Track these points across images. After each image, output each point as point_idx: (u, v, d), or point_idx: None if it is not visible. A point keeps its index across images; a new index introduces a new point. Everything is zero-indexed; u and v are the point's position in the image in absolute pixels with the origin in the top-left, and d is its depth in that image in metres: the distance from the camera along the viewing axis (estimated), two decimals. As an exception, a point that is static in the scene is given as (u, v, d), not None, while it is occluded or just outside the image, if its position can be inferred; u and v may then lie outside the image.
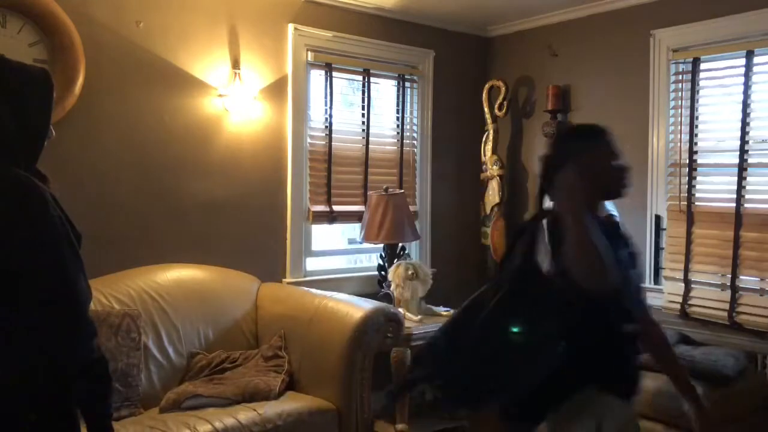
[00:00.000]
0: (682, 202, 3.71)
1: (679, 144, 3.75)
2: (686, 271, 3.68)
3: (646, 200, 3.89)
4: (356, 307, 3.14)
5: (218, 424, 2.67)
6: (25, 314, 1.41)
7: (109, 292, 3.04)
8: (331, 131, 4.05)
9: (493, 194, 4.46)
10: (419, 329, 3.59)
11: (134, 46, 3.31)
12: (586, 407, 1.82)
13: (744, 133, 3.47)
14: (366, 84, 4.21)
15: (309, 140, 3.96)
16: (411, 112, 4.49)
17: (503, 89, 4.40)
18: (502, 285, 1.84)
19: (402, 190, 4.12)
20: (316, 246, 4.08)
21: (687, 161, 3.71)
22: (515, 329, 1.72)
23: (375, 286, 4.05)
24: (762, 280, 3.43)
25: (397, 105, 4.43)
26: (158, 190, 3.42)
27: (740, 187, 3.48)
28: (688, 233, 3.68)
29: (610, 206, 2.01)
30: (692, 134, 3.69)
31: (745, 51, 3.47)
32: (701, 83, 3.70)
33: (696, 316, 3.62)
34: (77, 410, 1.53)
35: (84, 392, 1.51)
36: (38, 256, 1.42)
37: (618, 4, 4.01)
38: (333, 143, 4.06)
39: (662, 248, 3.85)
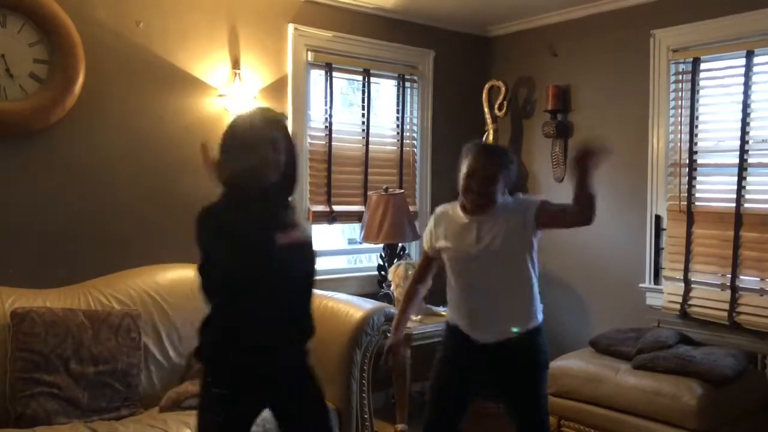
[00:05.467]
0: (682, 202, 3.71)
1: (679, 144, 3.75)
2: (686, 271, 3.68)
3: (646, 200, 3.89)
4: (356, 307, 3.13)
5: (218, 424, 2.67)
6: None
7: (109, 292, 3.04)
8: (331, 131, 4.05)
9: (493, 194, 4.45)
10: (419, 329, 3.60)
11: (134, 46, 3.31)
12: None
13: (744, 133, 3.47)
14: (366, 84, 4.21)
15: (309, 140, 3.96)
16: (411, 112, 4.49)
17: (503, 89, 4.40)
18: None
19: (402, 190, 4.12)
20: (316, 246, 4.07)
21: (687, 161, 3.71)
22: None
23: (375, 286, 4.05)
24: (762, 280, 3.43)
25: (397, 105, 4.43)
26: (158, 190, 3.42)
27: (740, 187, 3.48)
28: (688, 233, 3.68)
29: None
30: (692, 134, 3.69)
31: (745, 51, 3.47)
32: (701, 83, 3.70)
33: (696, 316, 3.62)
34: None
35: None
36: None
37: (618, 4, 4.01)
38: (333, 143, 4.06)
39: (662, 248, 3.85)
